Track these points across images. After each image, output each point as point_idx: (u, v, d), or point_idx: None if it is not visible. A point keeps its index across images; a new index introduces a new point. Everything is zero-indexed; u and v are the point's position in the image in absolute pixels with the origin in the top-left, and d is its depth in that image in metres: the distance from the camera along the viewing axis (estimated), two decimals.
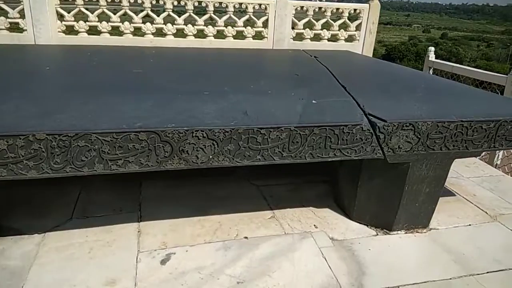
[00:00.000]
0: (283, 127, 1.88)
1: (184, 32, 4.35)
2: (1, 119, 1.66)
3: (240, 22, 4.49)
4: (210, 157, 1.83)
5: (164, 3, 4.23)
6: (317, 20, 4.74)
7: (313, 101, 2.25)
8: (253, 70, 3.11)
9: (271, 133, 1.87)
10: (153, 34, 4.30)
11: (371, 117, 2.05)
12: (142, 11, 4.25)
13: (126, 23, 4.20)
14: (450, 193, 2.90)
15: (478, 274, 2.05)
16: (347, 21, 4.81)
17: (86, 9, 4.10)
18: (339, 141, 1.98)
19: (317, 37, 4.79)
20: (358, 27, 4.84)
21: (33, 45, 3.94)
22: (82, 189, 2.61)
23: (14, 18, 3.88)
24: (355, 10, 4.80)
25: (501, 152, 4.22)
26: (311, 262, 2.06)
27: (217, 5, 4.37)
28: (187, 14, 4.31)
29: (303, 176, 2.96)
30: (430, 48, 5.22)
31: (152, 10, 4.26)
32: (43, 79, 2.43)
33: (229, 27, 4.46)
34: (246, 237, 2.23)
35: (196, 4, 4.31)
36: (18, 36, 3.95)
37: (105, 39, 4.18)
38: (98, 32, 4.17)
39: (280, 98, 2.27)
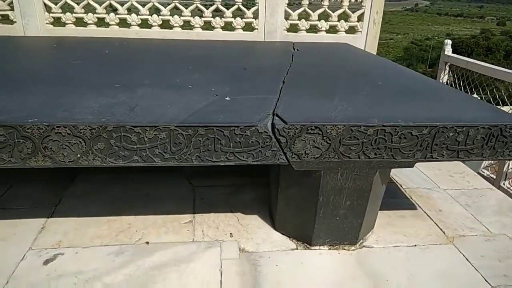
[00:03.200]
0: (161, 126, 1.70)
1: (170, 23, 4.26)
2: None
3: (229, 12, 4.31)
4: (79, 155, 1.70)
5: None
6: (314, 10, 4.42)
7: (226, 98, 2.05)
8: (202, 63, 2.93)
9: (148, 132, 1.70)
10: (139, 25, 4.26)
11: (276, 118, 1.81)
12: (127, 2, 4.21)
13: (112, 14, 4.19)
14: (411, 206, 2.54)
15: None
16: (348, 10, 4.44)
17: (73, 0, 4.14)
18: (231, 144, 1.76)
19: (314, 29, 4.48)
20: (360, 18, 4.46)
21: (22, 37, 4.06)
22: (18, 181, 2.61)
23: (4, 10, 4.02)
24: None
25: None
26: (203, 275, 1.87)
27: None
28: (172, 5, 4.22)
29: (250, 177, 2.74)
30: (446, 41, 4.68)
31: (137, 1, 4.21)
32: None
33: (217, 18, 4.30)
34: (147, 242, 2.09)
35: None
36: (8, 27, 4.09)
37: (92, 31, 4.20)
38: (85, 24, 4.20)
39: (194, 94, 2.09)
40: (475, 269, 2.00)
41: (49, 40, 3.86)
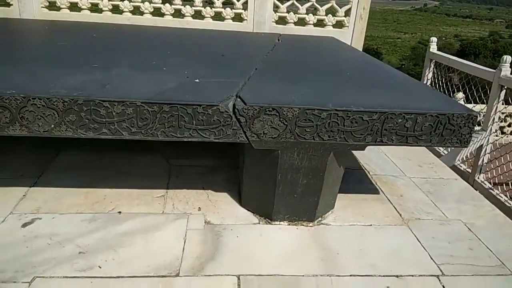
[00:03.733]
0: (128, 101, 1.84)
1: (162, 11, 4.39)
2: None
3: (219, 2, 4.43)
4: (52, 126, 1.85)
5: None
6: (302, 4, 4.54)
7: (196, 80, 2.19)
8: (184, 49, 3.08)
9: (116, 106, 1.84)
10: (131, 12, 4.39)
11: (238, 100, 1.95)
12: None
13: (105, 0, 4.33)
14: (374, 191, 2.69)
15: (338, 275, 1.89)
16: (335, 5, 4.56)
17: None
18: (194, 121, 1.91)
19: (302, 22, 4.60)
20: (347, 13, 4.57)
21: (18, 19, 4.20)
22: (6, 154, 2.77)
23: None
24: None
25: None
26: (168, 242, 2.02)
27: None
28: None
29: (225, 159, 2.89)
30: (432, 38, 4.79)
31: None
32: None
33: (208, 8, 4.43)
34: (119, 212, 2.24)
35: None
36: (5, 10, 4.23)
37: (86, 16, 4.34)
38: (79, 9, 4.34)
39: (167, 75, 2.24)
40: (424, 248, 2.14)
41: (42, 23, 4.00)
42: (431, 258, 2.06)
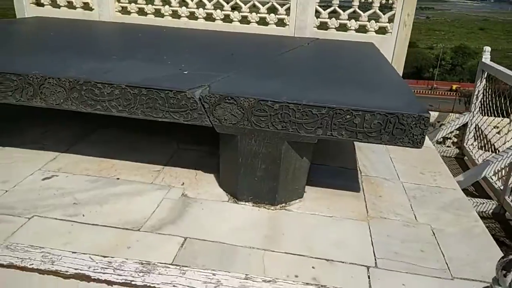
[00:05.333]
0: (115, 84, 2.28)
1: (213, 16, 4.87)
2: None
3: (263, 8, 4.76)
4: (62, 101, 2.37)
5: None
6: (345, 10, 4.65)
7: (185, 72, 2.57)
8: (204, 48, 3.47)
9: (106, 88, 2.29)
10: (187, 17, 4.95)
11: (207, 89, 2.27)
12: None
13: (166, 6, 4.95)
14: (355, 190, 2.76)
15: (272, 251, 2.09)
16: (378, 11, 4.58)
17: None
18: (166, 104, 2.27)
19: (344, 27, 4.71)
20: (391, 19, 4.56)
21: (97, 21, 5.04)
22: (54, 126, 3.44)
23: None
24: (387, 0, 4.53)
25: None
26: (144, 205, 2.42)
27: None
28: (215, 0, 4.82)
29: None
30: (485, 48, 4.51)
31: None
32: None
33: (253, 14, 4.79)
34: (118, 178, 2.70)
35: None
36: (89, 13, 5.10)
37: (150, 20, 5.02)
38: (145, 14, 5.04)
39: (164, 67, 2.66)
40: (371, 243, 2.21)
41: (112, 24, 4.75)
42: (373, 252, 2.13)
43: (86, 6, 5.12)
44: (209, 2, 4.86)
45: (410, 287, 1.90)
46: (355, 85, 2.57)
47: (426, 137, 3.67)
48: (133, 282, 0.88)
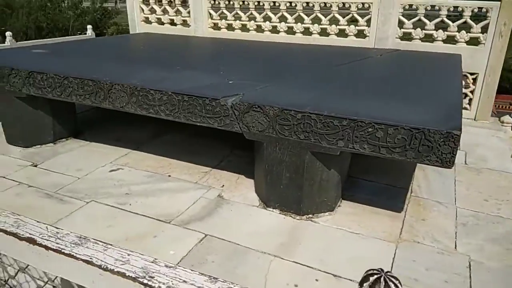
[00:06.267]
0: (164, 91, 2.57)
1: (293, 30, 5.00)
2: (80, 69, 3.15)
3: (343, 20, 4.72)
4: (124, 104, 2.75)
5: (279, 5, 5.01)
6: (431, 20, 4.35)
7: (230, 82, 2.75)
8: (268, 61, 3.61)
9: (157, 94, 2.59)
10: (270, 31, 5.17)
11: (240, 97, 2.41)
12: (263, 12, 5.18)
13: (252, 22, 5.25)
14: (397, 210, 2.58)
15: (282, 258, 2.11)
16: (469, 21, 4.18)
17: (226, 9, 5.40)
18: (203, 110, 2.47)
19: (430, 38, 4.40)
20: (484, 29, 4.12)
21: (192, 36, 5.58)
22: (131, 129, 3.93)
23: (184, 17, 5.61)
24: (480, 8, 4.11)
25: None
26: (182, 201, 2.65)
27: (322, 5, 4.78)
28: (296, 14, 4.94)
29: None
30: None
31: (270, 10, 5.12)
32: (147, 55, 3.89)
33: (333, 26, 4.79)
34: (169, 175, 3.00)
35: (305, 5, 4.87)
36: (186, 29, 5.68)
37: (237, 34, 5.37)
38: (233, 29, 5.41)
39: (215, 77, 2.89)
40: (391, 265, 2.08)
41: (202, 39, 5.22)
42: (390, 271, 1.99)
43: (185, 23, 5.71)
44: (291, 16, 5.00)
45: None
46: (400, 98, 2.44)
47: (508, 162, 3.25)
48: (63, 250, 1.06)
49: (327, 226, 2.41)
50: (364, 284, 0.87)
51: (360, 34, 4.68)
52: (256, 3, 5.15)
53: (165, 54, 4.01)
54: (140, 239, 2.25)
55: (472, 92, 4.37)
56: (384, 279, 0.86)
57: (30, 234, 1.17)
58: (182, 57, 3.73)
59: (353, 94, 2.52)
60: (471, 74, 4.31)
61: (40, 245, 1.13)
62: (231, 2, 5.30)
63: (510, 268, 2.06)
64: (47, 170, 3.07)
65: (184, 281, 0.98)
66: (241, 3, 5.25)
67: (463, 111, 4.41)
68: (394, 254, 2.16)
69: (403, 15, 4.44)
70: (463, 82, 4.36)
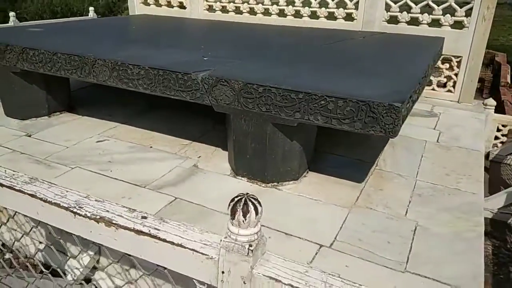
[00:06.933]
0: (141, 66, 2.75)
1: (285, 12, 5.12)
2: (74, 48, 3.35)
3: (332, 3, 4.82)
4: (106, 77, 2.94)
5: None
6: (417, 4, 4.43)
7: (204, 58, 2.92)
8: (250, 40, 3.76)
9: (135, 68, 2.78)
10: (262, 13, 5.29)
11: (211, 72, 2.58)
12: None
13: (245, 4, 5.37)
14: (359, 181, 2.75)
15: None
16: (454, 4, 4.24)
17: None
18: (177, 84, 2.65)
19: (416, 22, 4.48)
20: (468, 13, 4.19)
21: (186, 18, 5.72)
22: (122, 102, 4.14)
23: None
24: None
25: None
26: (158, 169, 2.84)
27: None
28: None
29: None
30: None
31: None
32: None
33: (323, 8, 4.89)
34: (151, 147, 3.20)
35: None
36: (183, 11, 5.83)
37: (231, 17, 5.51)
38: (227, 11, 5.54)
39: (193, 54, 3.06)
40: (340, 227, 2.24)
41: (197, 20, 5.37)
42: (335, 235, 2.18)
43: (181, 5, 5.85)
44: None
45: (353, 269, 1.93)
46: (365, 75, 2.58)
47: (480, 141, 3.38)
48: (14, 187, 1.28)
49: (289, 193, 2.59)
50: (231, 204, 1.05)
51: (349, 17, 4.77)
52: None
53: (154, 34, 4.19)
54: (115, 200, 2.43)
55: (456, 75, 4.45)
56: (245, 200, 1.04)
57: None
58: (170, 37, 3.90)
59: (321, 71, 2.67)
60: (456, 57, 4.39)
61: (13, 188, 1.34)
62: None
63: (457, 234, 2.21)
64: (40, 140, 3.30)
65: (107, 211, 1.18)
66: None
67: (448, 93, 4.55)
68: (346, 218, 2.33)
69: None
70: (447, 65, 4.46)
